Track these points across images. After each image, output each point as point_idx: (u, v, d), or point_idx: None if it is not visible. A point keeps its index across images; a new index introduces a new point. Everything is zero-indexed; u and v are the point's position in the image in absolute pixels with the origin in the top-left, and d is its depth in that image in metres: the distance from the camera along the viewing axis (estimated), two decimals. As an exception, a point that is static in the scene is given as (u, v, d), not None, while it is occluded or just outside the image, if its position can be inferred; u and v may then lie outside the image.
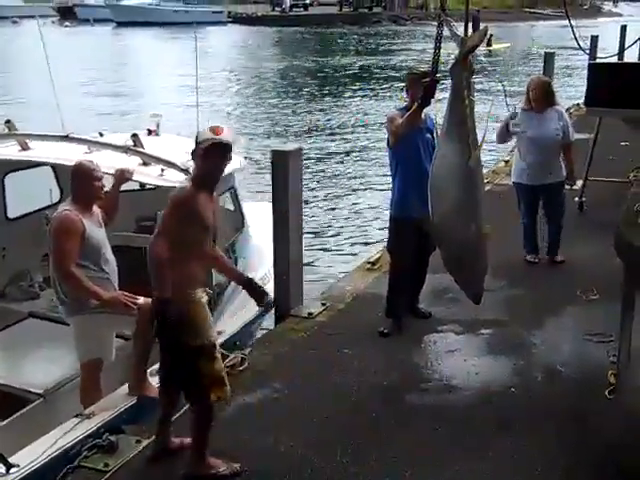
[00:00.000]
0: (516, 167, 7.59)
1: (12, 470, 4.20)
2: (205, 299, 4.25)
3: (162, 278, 4.05)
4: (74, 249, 4.98)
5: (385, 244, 6.73)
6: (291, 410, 5.08)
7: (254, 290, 4.71)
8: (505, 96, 6.70)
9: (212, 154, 4.12)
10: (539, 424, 4.89)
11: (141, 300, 4.99)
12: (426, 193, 5.31)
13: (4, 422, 5.06)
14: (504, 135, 7.61)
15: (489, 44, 42.21)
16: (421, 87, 5.35)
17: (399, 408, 5.14)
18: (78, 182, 5.16)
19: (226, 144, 4.16)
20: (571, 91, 22.91)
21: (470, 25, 5.27)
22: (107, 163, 5.51)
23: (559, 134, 7.29)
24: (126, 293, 5.02)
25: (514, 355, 5.83)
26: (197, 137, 4.16)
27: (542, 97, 7.29)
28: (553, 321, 6.43)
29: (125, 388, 5.19)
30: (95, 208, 5.26)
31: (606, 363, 5.38)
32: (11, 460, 4.25)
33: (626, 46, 15.70)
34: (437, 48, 4.96)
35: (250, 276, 4.94)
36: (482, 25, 5.53)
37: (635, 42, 13.50)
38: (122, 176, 5.49)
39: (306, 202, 9.49)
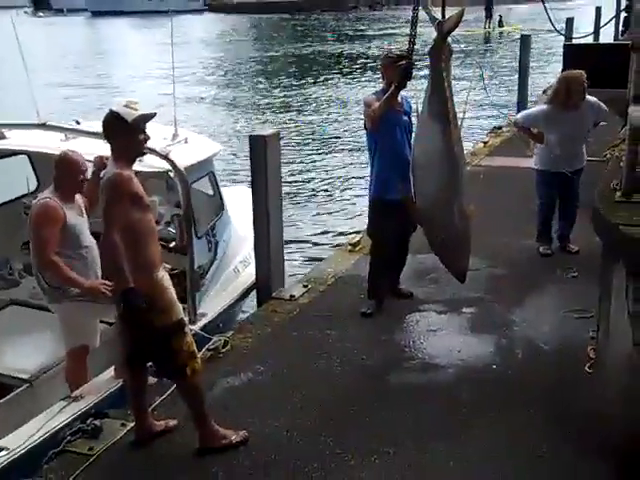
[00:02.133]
0: (543, 156, 7.37)
1: (1, 453, 4.23)
2: (167, 277, 4.24)
3: (122, 270, 3.94)
4: (53, 237, 4.97)
5: (365, 226, 6.75)
6: (275, 392, 5.10)
7: None
8: (483, 79, 6.74)
9: (142, 128, 4.12)
10: (521, 400, 4.93)
11: None
12: (404, 175, 5.39)
13: None
14: (527, 132, 7.54)
15: (500, 25, 42.66)
16: (397, 70, 5.38)
17: (382, 388, 5.17)
18: (63, 172, 5.15)
19: (152, 115, 4.18)
20: (548, 73, 23.03)
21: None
22: (84, 150, 5.49)
23: (591, 127, 7.22)
24: (106, 282, 4.99)
25: (496, 333, 5.87)
26: (118, 115, 4.05)
27: (582, 94, 7.04)
28: (534, 299, 6.48)
29: (111, 371, 5.20)
30: (77, 197, 5.26)
31: (586, 338, 5.44)
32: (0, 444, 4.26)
33: (599, 27, 15.83)
34: (413, 31, 4.99)
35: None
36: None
37: (608, 22, 13.62)
38: (101, 162, 5.46)
39: (286, 186, 9.47)
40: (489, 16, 43.21)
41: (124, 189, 4.00)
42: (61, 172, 5.15)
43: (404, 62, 5.26)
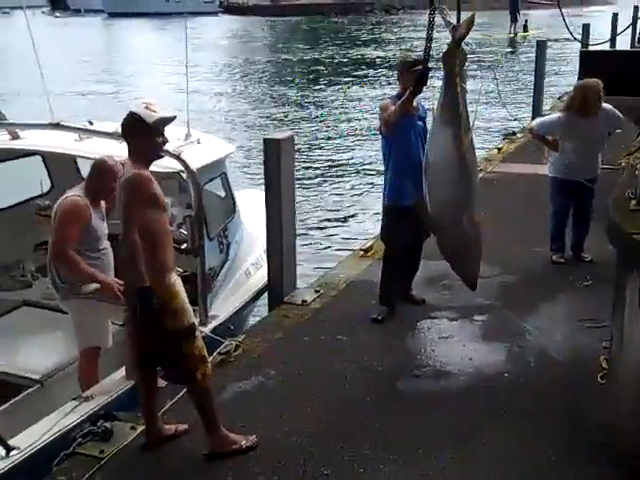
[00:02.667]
0: (557, 164, 7.32)
1: (12, 453, 4.24)
2: (179, 281, 4.23)
3: (139, 267, 3.94)
4: (76, 234, 5.04)
5: (379, 232, 6.73)
6: (285, 397, 5.08)
7: None
8: (497, 83, 6.72)
9: (161, 130, 4.12)
10: (532, 409, 4.90)
11: None
12: (419, 181, 5.36)
13: (2, 407, 5.08)
14: (541, 140, 7.52)
15: (525, 30, 42.59)
16: (413, 75, 5.35)
17: (392, 394, 5.15)
18: (98, 178, 5.21)
19: (172, 118, 4.18)
20: (563, 79, 22.96)
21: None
22: (98, 151, 5.50)
23: (606, 134, 7.18)
24: (119, 281, 5.01)
25: (508, 341, 5.84)
26: (139, 116, 4.05)
27: (598, 102, 7.00)
28: (547, 307, 6.45)
29: (122, 372, 5.20)
30: (102, 202, 5.32)
31: (599, 348, 5.39)
32: (11, 443, 4.27)
33: (616, 34, 15.76)
34: (429, 36, 4.97)
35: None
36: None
37: (624, 30, 13.56)
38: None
39: (299, 190, 9.47)
40: (514, 20, 43.06)
41: (144, 189, 4.01)
42: (96, 178, 5.22)
43: (420, 67, 5.24)
